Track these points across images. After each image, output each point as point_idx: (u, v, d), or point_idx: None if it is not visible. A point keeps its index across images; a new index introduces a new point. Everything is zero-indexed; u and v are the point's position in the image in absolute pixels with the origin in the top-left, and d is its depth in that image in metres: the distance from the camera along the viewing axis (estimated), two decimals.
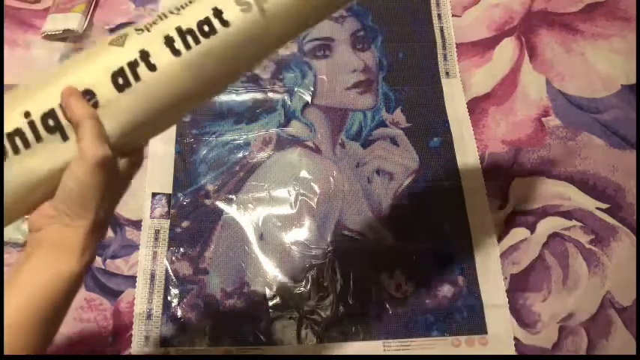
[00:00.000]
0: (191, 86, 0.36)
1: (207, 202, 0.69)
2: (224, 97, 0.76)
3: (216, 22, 0.35)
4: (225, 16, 0.35)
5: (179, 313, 0.64)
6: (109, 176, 0.33)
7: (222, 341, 0.63)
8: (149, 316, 0.63)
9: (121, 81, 0.34)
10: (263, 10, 0.36)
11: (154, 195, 0.69)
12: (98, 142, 0.33)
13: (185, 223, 0.68)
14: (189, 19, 0.35)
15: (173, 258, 0.66)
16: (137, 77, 0.35)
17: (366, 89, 0.77)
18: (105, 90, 0.34)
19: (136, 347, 0.62)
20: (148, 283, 0.65)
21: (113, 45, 0.35)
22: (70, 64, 0.36)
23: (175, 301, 0.64)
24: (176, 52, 0.35)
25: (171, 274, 0.65)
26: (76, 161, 0.33)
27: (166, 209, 0.69)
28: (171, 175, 0.71)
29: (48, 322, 0.33)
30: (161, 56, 0.35)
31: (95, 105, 0.34)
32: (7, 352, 0.30)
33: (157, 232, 0.68)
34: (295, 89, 0.76)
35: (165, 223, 0.68)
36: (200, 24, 0.35)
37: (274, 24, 0.37)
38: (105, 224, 0.35)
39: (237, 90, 0.76)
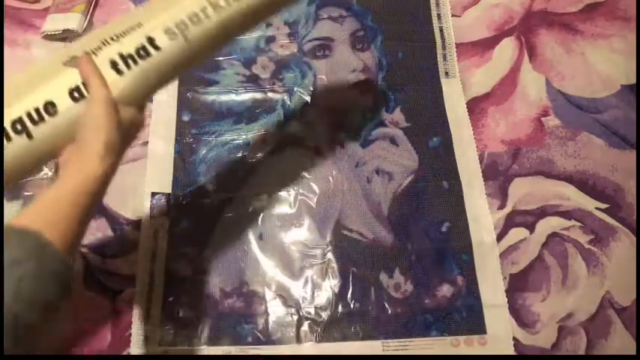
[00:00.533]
0: (130, 96, 0.46)
1: (207, 201, 0.70)
2: (223, 97, 0.76)
3: (150, 48, 0.46)
4: (157, 42, 0.46)
5: (178, 313, 0.64)
6: (113, 111, 0.44)
7: (222, 341, 0.63)
8: (148, 316, 0.64)
9: (76, 95, 0.44)
10: (187, 38, 0.46)
11: (153, 195, 0.69)
12: (102, 87, 0.44)
13: (184, 223, 0.68)
14: (129, 46, 0.45)
15: (172, 258, 0.66)
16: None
17: (366, 89, 0.77)
18: (64, 102, 0.44)
19: (135, 347, 0.62)
20: (147, 283, 0.65)
21: (67, 66, 0.45)
22: (29, 80, 0.45)
23: (174, 301, 0.64)
24: (119, 72, 0.45)
25: (170, 273, 0.66)
26: (88, 103, 0.44)
27: (166, 209, 0.69)
28: (170, 174, 0.71)
29: (83, 213, 0.41)
30: (107, 76, 0.45)
31: (55, 112, 0.44)
32: (59, 223, 0.39)
33: (157, 231, 0.68)
34: (295, 89, 0.76)
35: (165, 223, 0.68)
36: (137, 50, 0.45)
37: (197, 46, 0.47)
38: (117, 152, 0.44)
39: (237, 90, 0.76)
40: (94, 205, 0.43)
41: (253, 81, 0.77)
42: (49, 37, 0.81)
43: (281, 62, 0.78)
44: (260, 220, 0.69)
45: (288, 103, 0.76)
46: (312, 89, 0.77)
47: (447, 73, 0.78)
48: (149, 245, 0.67)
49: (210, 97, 0.76)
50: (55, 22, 0.81)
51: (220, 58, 0.78)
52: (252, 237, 0.68)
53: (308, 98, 0.76)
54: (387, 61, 0.79)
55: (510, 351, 0.63)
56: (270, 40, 0.80)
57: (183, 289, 0.65)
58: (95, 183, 0.43)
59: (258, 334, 0.63)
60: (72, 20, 0.80)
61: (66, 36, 0.81)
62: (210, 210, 0.69)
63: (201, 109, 0.75)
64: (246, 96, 0.76)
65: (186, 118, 0.74)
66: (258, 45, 0.79)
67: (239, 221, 0.69)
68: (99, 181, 0.43)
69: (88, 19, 0.82)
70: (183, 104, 0.75)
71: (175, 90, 0.76)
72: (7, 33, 0.81)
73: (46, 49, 0.80)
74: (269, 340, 0.63)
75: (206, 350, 0.62)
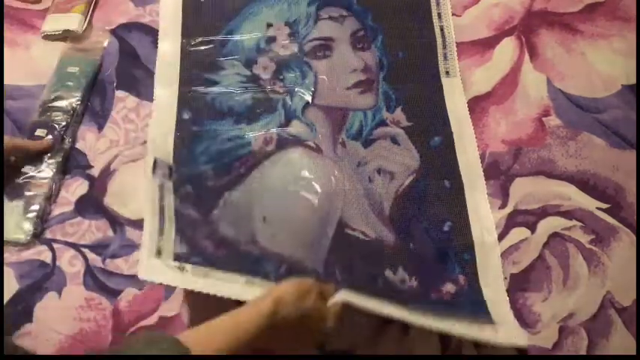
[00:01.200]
0: None
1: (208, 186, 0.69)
2: (224, 98, 0.76)
3: None
4: None
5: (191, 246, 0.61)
6: (298, 294, 0.53)
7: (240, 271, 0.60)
8: (160, 252, 0.59)
9: None
10: None
11: None
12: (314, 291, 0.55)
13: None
14: None
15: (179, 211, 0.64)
16: None
17: (367, 89, 0.77)
18: None
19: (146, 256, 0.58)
20: (157, 223, 0.61)
21: None
22: None
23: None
24: None
25: (179, 216, 0.64)
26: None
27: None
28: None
29: (235, 345, 0.47)
30: None
31: None
32: (208, 347, 0.45)
33: (162, 185, 0.65)
34: (296, 89, 0.76)
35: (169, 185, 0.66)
36: None
37: None
38: (287, 315, 0.50)
39: (237, 90, 0.76)
40: (246, 345, 0.47)
41: (254, 81, 0.77)
42: (49, 37, 0.81)
43: (282, 62, 0.78)
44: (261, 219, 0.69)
45: (289, 103, 0.76)
46: (312, 89, 0.76)
47: (447, 73, 0.78)
48: (154, 193, 0.63)
49: (211, 98, 0.75)
50: (54, 23, 0.81)
51: (221, 59, 0.78)
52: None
53: (309, 98, 0.76)
54: (388, 60, 0.79)
55: (524, 339, 0.61)
56: (271, 40, 0.79)
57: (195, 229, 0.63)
58: (253, 324, 0.48)
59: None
60: (72, 20, 0.80)
61: (66, 36, 0.81)
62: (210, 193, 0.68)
63: (202, 109, 0.75)
64: (247, 96, 0.76)
65: (186, 117, 0.74)
66: (258, 45, 0.79)
67: (240, 220, 0.68)
68: (259, 324, 0.48)
69: (87, 19, 0.82)
70: (183, 105, 0.75)
71: (176, 90, 0.75)
72: (7, 33, 0.81)
73: (46, 50, 0.80)
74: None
75: (222, 275, 0.59)
